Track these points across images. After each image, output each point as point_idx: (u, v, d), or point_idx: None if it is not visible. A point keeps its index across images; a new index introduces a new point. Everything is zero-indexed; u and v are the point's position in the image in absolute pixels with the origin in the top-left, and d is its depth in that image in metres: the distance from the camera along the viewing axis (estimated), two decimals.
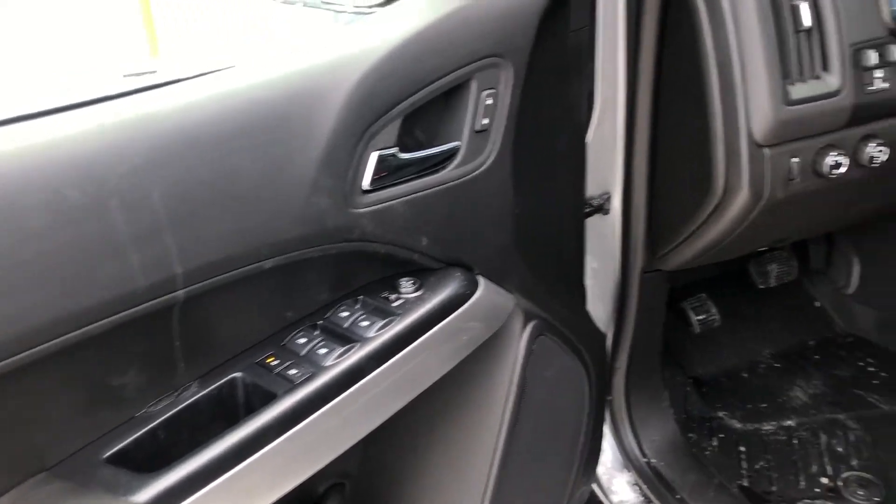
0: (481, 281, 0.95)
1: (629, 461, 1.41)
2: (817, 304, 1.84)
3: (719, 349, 1.71)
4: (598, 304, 1.37)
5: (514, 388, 1.04)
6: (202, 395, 0.81)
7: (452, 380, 0.95)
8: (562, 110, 1.10)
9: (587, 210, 1.27)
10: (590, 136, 1.21)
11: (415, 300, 0.89)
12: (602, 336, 1.30)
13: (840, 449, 1.46)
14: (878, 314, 1.74)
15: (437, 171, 0.90)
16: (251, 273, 0.79)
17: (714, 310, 1.66)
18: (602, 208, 1.31)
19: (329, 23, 1.16)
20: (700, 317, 1.65)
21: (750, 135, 1.06)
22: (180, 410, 0.80)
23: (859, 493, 1.35)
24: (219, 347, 0.85)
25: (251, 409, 0.79)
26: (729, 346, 1.72)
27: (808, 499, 1.35)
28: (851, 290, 1.80)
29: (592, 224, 1.30)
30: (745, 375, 1.67)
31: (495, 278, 0.98)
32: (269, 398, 0.80)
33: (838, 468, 1.41)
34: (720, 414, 1.57)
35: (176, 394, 0.82)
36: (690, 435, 1.50)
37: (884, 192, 1.27)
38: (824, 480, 1.39)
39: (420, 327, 0.87)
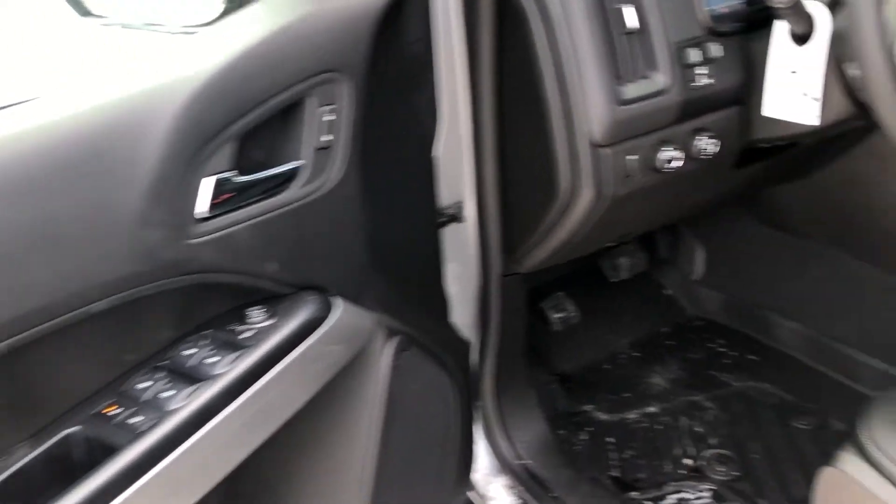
0: (337, 302, 0.92)
1: (504, 464, 1.42)
2: (667, 292, 1.93)
3: (580, 345, 1.76)
4: (464, 311, 1.37)
5: (381, 406, 1.02)
6: (33, 458, 0.74)
7: (318, 404, 0.92)
8: (407, 122, 1.09)
9: (442, 220, 1.27)
10: (438, 146, 1.21)
11: (266, 330, 0.85)
12: (465, 344, 1.30)
13: (699, 429, 1.53)
14: (723, 297, 1.85)
15: (280, 192, 0.86)
16: (80, 318, 0.73)
17: (572, 307, 1.71)
18: (456, 217, 1.31)
19: (152, 44, 1.10)
20: (559, 315, 1.69)
21: (588, 136, 1.09)
22: (9, 477, 0.73)
23: (719, 469, 1.42)
24: (51, 402, 0.78)
25: (92, 467, 0.73)
26: (589, 341, 1.77)
27: (673, 481, 1.40)
28: (697, 276, 1.89)
29: (450, 233, 1.30)
30: (608, 367, 1.72)
31: (353, 297, 0.96)
32: (110, 452, 0.74)
33: (699, 448, 1.48)
34: (587, 408, 1.61)
35: (2, 458, 0.74)
36: (561, 431, 1.53)
37: (717, 183, 1.34)
38: (687, 461, 1.45)
39: (273, 357, 0.83)
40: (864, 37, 0.92)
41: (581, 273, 1.79)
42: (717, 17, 1.15)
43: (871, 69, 0.93)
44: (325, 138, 0.88)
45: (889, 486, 0.92)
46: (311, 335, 0.86)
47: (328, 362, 0.90)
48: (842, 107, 1.09)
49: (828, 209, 1.63)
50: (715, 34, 1.15)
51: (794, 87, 1.13)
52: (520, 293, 1.40)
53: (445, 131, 1.22)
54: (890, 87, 0.92)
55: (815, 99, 1.10)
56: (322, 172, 0.89)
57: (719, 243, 1.87)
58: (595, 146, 1.10)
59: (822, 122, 1.11)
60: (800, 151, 1.40)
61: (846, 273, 1.63)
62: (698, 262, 1.89)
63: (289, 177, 0.87)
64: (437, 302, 1.23)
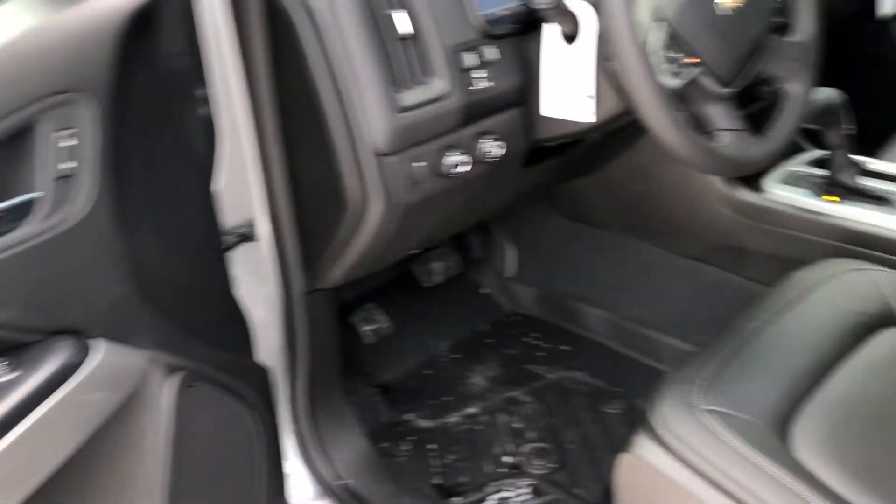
0: (97, 344, 0.84)
1: (325, 487, 1.38)
2: (484, 290, 1.95)
3: (401, 353, 1.74)
4: (270, 334, 1.32)
5: (166, 449, 0.95)
6: None
7: (91, 455, 0.84)
8: (174, 142, 1.02)
9: (231, 242, 1.20)
10: (221, 164, 1.15)
11: (8, 385, 0.76)
12: (264, 370, 1.24)
13: (518, 425, 1.55)
14: (536, 291, 1.90)
15: (13, 230, 0.77)
16: None
17: (383, 318, 1.69)
18: (249, 236, 1.25)
19: None
20: (370, 327, 1.66)
21: (370, 146, 1.06)
22: None
23: (537, 462, 1.44)
24: None
25: None
26: (410, 348, 1.76)
27: (493, 481, 1.41)
28: (510, 273, 1.93)
29: (243, 254, 1.25)
30: (428, 373, 1.72)
31: (119, 337, 0.88)
32: None
33: (518, 443, 1.50)
34: (409, 416, 1.59)
35: None
36: (382, 444, 1.51)
37: (510, 182, 1.36)
38: (507, 459, 1.47)
39: (18, 414, 0.74)
40: (617, 35, 0.95)
41: (396, 282, 1.77)
42: (492, 21, 1.16)
43: (625, 65, 0.96)
44: (65, 166, 0.80)
45: (681, 467, 0.95)
46: (64, 385, 0.78)
47: (91, 411, 0.82)
48: (614, 102, 1.13)
49: (619, 200, 1.71)
50: (490, 37, 1.16)
51: (567, 86, 1.16)
52: (327, 309, 1.36)
53: (228, 148, 1.16)
54: (643, 79, 0.96)
55: (589, 96, 1.14)
56: (65, 204, 0.81)
57: (528, 239, 1.92)
58: (379, 155, 1.08)
59: (597, 118, 1.15)
60: (586, 147, 1.45)
61: (641, 258, 1.71)
62: (510, 259, 1.93)
63: (23, 211, 0.78)
64: (228, 330, 1.16)
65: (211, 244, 1.10)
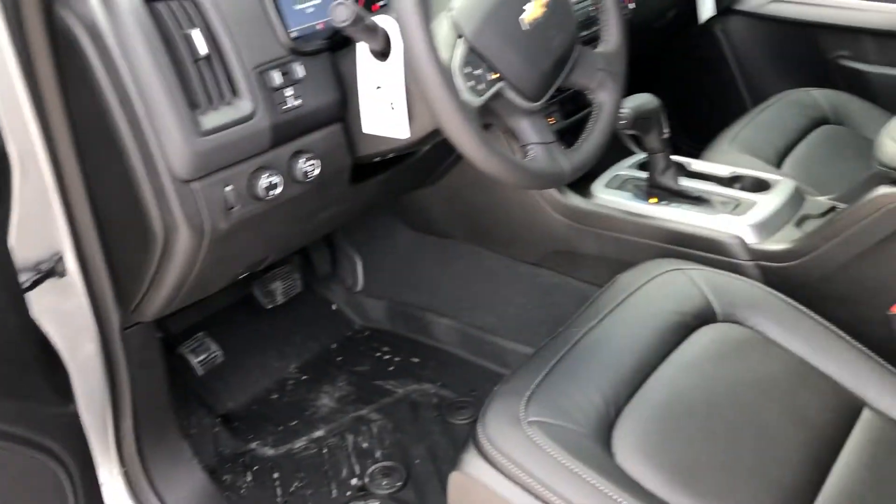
0: None
1: None
2: (334, 306, 1.91)
3: (246, 378, 1.68)
4: (89, 374, 1.23)
5: None
6: None
7: None
8: None
9: (34, 278, 1.11)
10: (14, 195, 1.06)
11: None
12: (75, 416, 1.16)
13: (365, 444, 1.52)
14: (385, 304, 1.87)
15: None
16: None
17: (215, 346, 1.62)
18: (55, 271, 1.17)
19: None
20: (201, 357, 1.59)
21: (171, 172, 1.01)
22: None
23: (384, 483, 1.42)
24: None
25: None
26: (255, 373, 1.70)
27: None
28: (360, 286, 1.90)
29: (55, 290, 1.16)
30: (275, 397, 1.66)
31: None
32: None
33: (365, 464, 1.47)
34: (253, 445, 1.53)
35: None
36: (224, 478, 1.44)
37: (339, 199, 1.33)
38: (354, 481, 1.44)
39: None
40: (415, 54, 0.94)
41: (235, 306, 1.71)
42: (300, 38, 1.13)
43: (426, 85, 0.95)
44: None
45: (507, 483, 0.94)
46: None
47: None
48: (428, 119, 1.12)
49: (461, 210, 1.71)
50: (299, 54, 1.12)
51: (382, 102, 1.14)
52: (148, 343, 1.28)
53: (21, 178, 1.07)
54: (444, 99, 0.95)
55: (402, 113, 1.12)
56: None
57: (376, 252, 1.89)
58: (182, 182, 1.02)
59: (412, 136, 1.13)
60: (418, 160, 1.44)
61: (484, 266, 1.72)
62: (358, 272, 1.90)
63: None
64: (30, 378, 1.07)
65: (4, 282, 1.01)
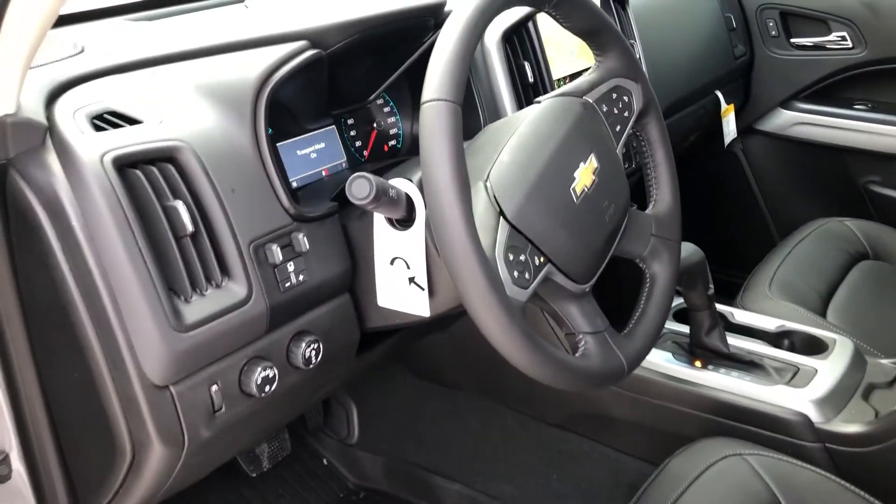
0: None
1: None
2: (325, 462, 1.69)
3: None
4: None
5: None
6: None
7: None
8: None
9: None
10: None
11: None
12: None
13: None
14: (383, 461, 1.66)
15: None
16: None
17: None
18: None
19: None
20: None
21: (143, 377, 0.81)
22: None
23: None
24: None
25: None
26: None
27: None
28: (354, 439, 1.69)
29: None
30: None
31: None
32: None
33: None
34: None
35: None
36: None
37: (341, 375, 1.13)
38: None
39: None
40: (449, 239, 0.76)
41: (214, 476, 1.49)
42: (303, 195, 0.96)
43: (463, 282, 0.77)
44: None
45: None
46: None
47: None
48: (452, 294, 0.94)
49: (472, 359, 1.52)
50: (304, 220, 0.95)
51: (400, 276, 0.97)
52: None
53: None
54: (485, 297, 0.77)
55: (422, 288, 0.94)
56: None
57: (375, 400, 1.69)
58: (156, 387, 0.83)
59: (432, 311, 0.95)
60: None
61: (501, 424, 1.52)
62: (354, 423, 1.69)
63: None
64: None
65: None
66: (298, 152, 1.13)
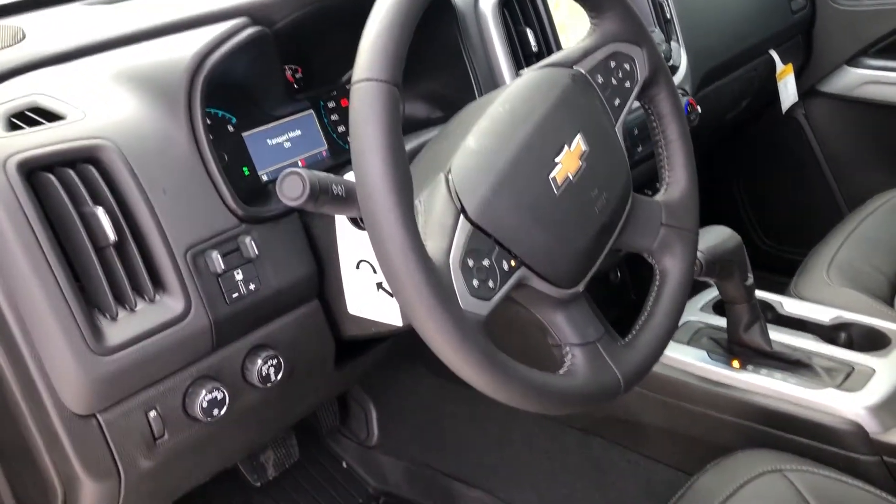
0: None
1: None
2: (344, 464, 1.61)
3: None
4: None
5: None
6: None
7: None
8: None
9: None
10: None
11: None
12: None
13: None
14: (405, 466, 1.55)
15: None
16: None
17: None
18: None
19: None
20: None
21: (61, 407, 0.72)
22: None
23: None
24: None
25: None
26: None
27: None
28: (374, 441, 1.59)
29: None
30: None
31: None
32: None
33: None
34: None
35: None
36: None
37: (319, 390, 1.03)
38: None
39: None
40: (383, 241, 0.64)
41: (215, 484, 1.41)
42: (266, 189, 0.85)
43: (406, 299, 0.65)
44: None
45: None
46: None
47: None
48: None
49: None
50: (253, 222, 0.84)
51: (368, 280, 0.85)
52: None
53: None
54: (431, 308, 0.64)
55: (390, 294, 0.83)
56: None
57: (394, 400, 1.58)
58: (80, 417, 0.74)
59: (405, 320, 0.84)
60: None
61: (524, 429, 1.40)
62: (373, 424, 1.59)
63: None
64: None
65: None
66: (269, 142, 1.02)
